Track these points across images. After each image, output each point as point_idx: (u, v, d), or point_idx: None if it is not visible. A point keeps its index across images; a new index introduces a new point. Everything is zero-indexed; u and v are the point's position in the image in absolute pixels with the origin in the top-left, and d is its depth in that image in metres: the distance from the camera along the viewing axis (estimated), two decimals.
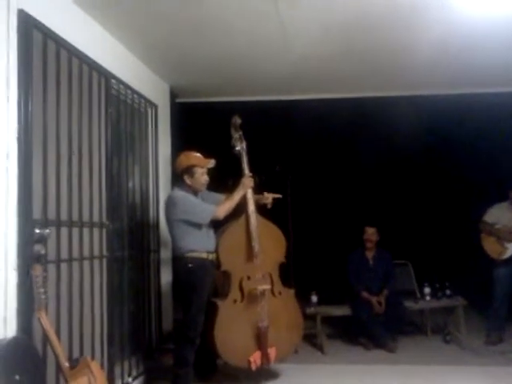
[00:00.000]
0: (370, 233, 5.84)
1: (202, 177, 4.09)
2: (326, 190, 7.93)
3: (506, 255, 5.39)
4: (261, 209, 4.36)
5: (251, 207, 4.23)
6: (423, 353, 5.20)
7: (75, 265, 3.34)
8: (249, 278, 4.19)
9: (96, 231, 3.65)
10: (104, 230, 3.77)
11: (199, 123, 6.32)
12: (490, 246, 5.48)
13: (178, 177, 4.17)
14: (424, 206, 7.96)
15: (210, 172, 4.18)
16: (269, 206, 4.37)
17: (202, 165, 4.08)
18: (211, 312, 4.05)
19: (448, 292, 5.85)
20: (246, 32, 4.13)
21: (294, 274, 5.60)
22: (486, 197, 5.91)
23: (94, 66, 3.70)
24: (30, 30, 2.92)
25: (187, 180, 4.06)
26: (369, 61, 4.86)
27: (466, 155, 7.23)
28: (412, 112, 6.09)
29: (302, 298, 5.13)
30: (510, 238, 5.37)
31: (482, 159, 7.01)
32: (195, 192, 4.13)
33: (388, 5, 3.66)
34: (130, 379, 4.11)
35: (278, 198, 4.44)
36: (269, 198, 4.37)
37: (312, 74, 5.20)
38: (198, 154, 4.14)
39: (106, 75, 3.90)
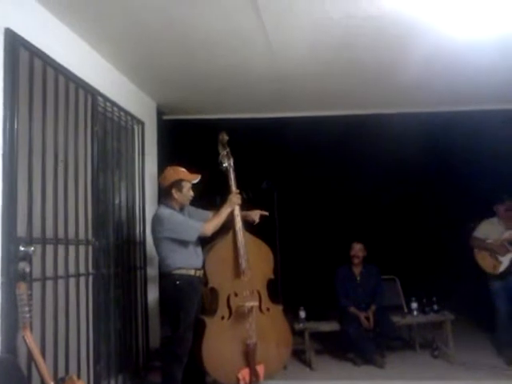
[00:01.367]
0: (357, 249, 5.85)
1: (188, 192, 4.10)
2: (313, 206, 7.95)
3: (501, 268, 5.34)
4: (248, 225, 4.36)
5: (238, 224, 4.23)
6: (412, 368, 5.18)
7: (61, 282, 3.32)
8: (236, 294, 4.18)
9: (82, 248, 3.64)
10: (90, 247, 3.75)
11: (186, 140, 6.33)
12: (484, 261, 5.44)
13: (164, 191, 4.14)
14: (411, 221, 8.00)
15: (198, 189, 4.18)
16: (256, 222, 4.36)
17: (189, 179, 4.10)
18: (199, 329, 4.03)
19: (435, 307, 5.85)
20: (233, 50, 4.16)
21: (282, 290, 5.59)
22: (474, 212, 5.96)
23: (80, 84, 3.72)
24: (16, 48, 2.95)
25: (175, 194, 4.05)
26: (355, 79, 4.92)
27: (454, 171, 7.30)
28: (399, 129, 6.14)
29: (291, 314, 5.12)
30: (503, 252, 5.35)
31: (469, 175, 7.08)
32: (181, 208, 4.13)
33: (375, 26, 3.72)
34: None
35: (264, 216, 4.44)
36: (257, 214, 4.37)
37: (299, 91, 5.25)
38: (183, 169, 4.16)
39: (92, 93, 3.91)
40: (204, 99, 5.54)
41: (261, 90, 5.17)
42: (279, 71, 4.60)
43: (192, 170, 4.16)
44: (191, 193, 4.12)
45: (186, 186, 4.08)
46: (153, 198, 5.15)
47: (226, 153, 4.34)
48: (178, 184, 4.06)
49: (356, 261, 5.83)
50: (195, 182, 4.13)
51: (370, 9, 3.45)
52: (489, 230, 5.51)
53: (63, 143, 3.44)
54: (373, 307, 5.55)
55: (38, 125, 3.15)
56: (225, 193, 4.28)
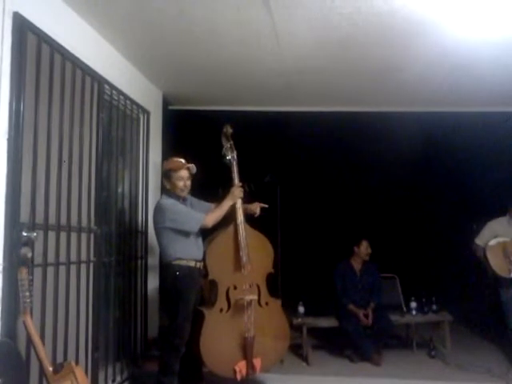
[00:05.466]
0: (366, 246, 5.82)
1: (178, 181, 4.05)
2: (314, 201, 7.96)
3: None
4: (249, 218, 4.36)
5: (240, 217, 4.22)
6: (408, 367, 5.19)
7: (62, 269, 3.32)
8: (236, 287, 4.17)
9: (84, 236, 3.64)
10: (92, 235, 3.75)
11: (191, 131, 6.32)
12: (498, 265, 5.01)
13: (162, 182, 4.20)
14: (413, 220, 8.00)
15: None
16: (257, 214, 4.36)
17: (176, 168, 4.06)
18: (197, 320, 4.03)
19: (434, 307, 5.86)
20: (241, 43, 4.15)
21: (282, 284, 5.60)
22: (474, 212, 5.95)
23: (87, 71, 3.71)
24: (24, 32, 2.94)
25: (166, 184, 4.09)
26: (362, 76, 4.91)
27: (457, 171, 7.30)
28: (404, 128, 6.15)
29: (289, 309, 5.12)
30: None
31: (472, 176, 7.08)
32: (183, 198, 4.12)
33: (384, 22, 3.71)
34: None
35: (264, 208, 4.42)
36: (257, 206, 4.36)
37: (305, 86, 5.24)
38: (178, 159, 4.13)
39: (99, 80, 3.90)
40: (209, 90, 5.52)
41: (267, 83, 5.16)
42: (286, 65, 4.59)
43: (193, 161, 4.12)
44: (184, 182, 4.06)
45: (174, 176, 4.05)
46: (156, 187, 5.14)
47: (229, 145, 4.33)
48: (166, 174, 4.09)
49: (366, 257, 5.79)
50: (192, 172, 4.08)
51: (380, 5, 3.44)
52: (497, 230, 5.16)
53: (68, 129, 3.43)
54: (372, 304, 5.55)
55: (43, 110, 3.14)
56: (227, 185, 4.27)
